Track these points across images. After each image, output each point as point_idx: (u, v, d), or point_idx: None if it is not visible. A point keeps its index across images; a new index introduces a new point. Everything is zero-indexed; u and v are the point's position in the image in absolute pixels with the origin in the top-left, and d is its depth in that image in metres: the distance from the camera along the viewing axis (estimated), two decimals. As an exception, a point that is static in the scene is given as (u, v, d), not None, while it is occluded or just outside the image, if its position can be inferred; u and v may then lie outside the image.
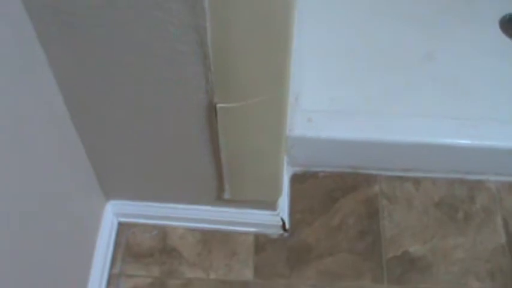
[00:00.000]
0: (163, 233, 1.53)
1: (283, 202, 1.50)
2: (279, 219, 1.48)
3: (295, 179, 1.61)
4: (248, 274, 1.47)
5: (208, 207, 1.46)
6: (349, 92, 1.64)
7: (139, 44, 0.96)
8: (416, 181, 1.64)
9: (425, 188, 1.63)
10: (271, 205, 1.44)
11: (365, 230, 1.55)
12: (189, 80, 1.02)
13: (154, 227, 1.53)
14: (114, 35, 0.94)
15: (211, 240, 1.52)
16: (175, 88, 1.05)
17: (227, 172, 1.26)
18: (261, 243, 1.52)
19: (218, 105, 1.05)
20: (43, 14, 0.91)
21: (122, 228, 1.54)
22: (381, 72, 1.71)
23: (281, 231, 1.52)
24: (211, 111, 1.07)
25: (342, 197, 1.60)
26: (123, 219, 1.53)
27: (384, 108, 1.62)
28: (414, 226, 1.57)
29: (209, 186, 1.36)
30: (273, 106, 1.06)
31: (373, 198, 1.60)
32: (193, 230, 1.53)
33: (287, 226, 1.51)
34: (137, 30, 0.93)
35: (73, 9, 0.90)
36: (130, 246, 1.52)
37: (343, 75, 1.68)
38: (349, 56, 1.73)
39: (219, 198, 1.39)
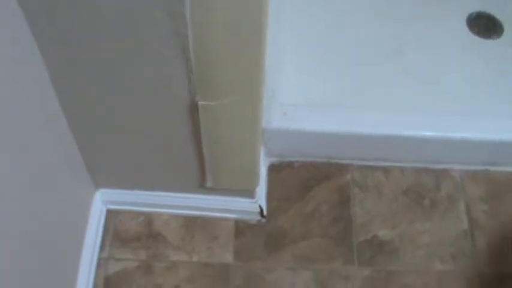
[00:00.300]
0: (148, 219, 1.62)
1: (261, 190, 1.60)
2: (257, 206, 1.57)
3: (272, 169, 1.71)
4: (228, 257, 1.57)
5: (192, 195, 1.55)
6: (323, 86, 1.74)
7: (128, 49, 1.05)
8: (386, 170, 1.73)
9: (394, 177, 1.73)
10: (250, 193, 1.53)
11: (337, 217, 1.64)
12: (174, 80, 1.11)
13: (140, 213, 1.62)
14: (103, 40, 1.04)
15: (194, 225, 1.62)
16: (161, 88, 1.14)
17: (209, 163, 1.36)
18: (240, 228, 1.62)
19: (199, 103, 1.15)
20: (39, 17, 1.00)
21: (110, 215, 1.62)
22: (354, 67, 1.82)
23: (259, 218, 1.62)
24: (194, 108, 1.17)
25: (316, 185, 1.69)
26: (111, 207, 1.62)
27: (356, 102, 1.73)
28: (383, 213, 1.66)
29: (192, 176, 1.45)
30: (248, 104, 1.16)
31: (345, 187, 1.70)
32: (177, 216, 1.62)
33: (265, 213, 1.61)
34: (125, 36, 1.03)
35: (65, 15, 0.99)
36: (118, 232, 1.60)
37: (318, 70, 1.79)
38: (325, 51, 1.85)
39: (201, 187, 1.48)
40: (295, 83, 1.71)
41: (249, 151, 1.33)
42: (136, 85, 1.14)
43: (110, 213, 1.62)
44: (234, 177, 1.43)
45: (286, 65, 1.75)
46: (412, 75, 1.85)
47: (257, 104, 1.17)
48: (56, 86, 1.16)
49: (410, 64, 1.88)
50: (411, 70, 1.86)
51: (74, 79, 1.14)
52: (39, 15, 0.99)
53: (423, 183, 1.72)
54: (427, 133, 1.63)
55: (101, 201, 1.58)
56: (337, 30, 1.93)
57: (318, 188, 1.68)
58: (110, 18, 0.99)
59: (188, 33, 0.98)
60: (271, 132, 1.61)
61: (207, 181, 1.43)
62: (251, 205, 1.56)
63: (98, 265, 1.55)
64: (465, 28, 1.99)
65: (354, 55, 1.86)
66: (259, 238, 1.60)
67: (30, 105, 1.10)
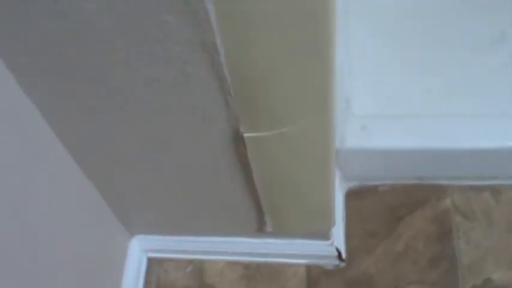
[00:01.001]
0: (199, 269, 1.32)
1: (338, 227, 1.28)
2: (333, 249, 1.25)
3: (351, 196, 1.38)
4: (301, 313, 1.25)
5: (251, 240, 1.25)
6: (408, 91, 1.39)
7: (138, 70, 0.73)
8: (496, 191, 1.39)
9: (507, 199, 1.38)
10: (324, 234, 1.21)
11: (437, 255, 1.31)
12: (205, 107, 0.80)
13: (189, 262, 1.33)
14: (108, 67, 0.73)
15: (256, 274, 1.31)
16: (190, 118, 0.84)
17: (266, 204, 1.04)
18: (314, 276, 1.30)
19: (245, 135, 0.83)
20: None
21: (152, 264, 1.34)
22: (444, 64, 1.44)
23: (337, 262, 1.29)
24: (238, 141, 0.85)
25: (407, 214, 1.36)
26: (153, 255, 1.34)
27: (451, 108, 1.36)
28: (497, 247, 1.32)
29: (247, 219, 1.15)
30: (315, 133, 0.83)
31: (445, 215, 1.36)
32: (234, 264, 1.31)
33: (343, 255, 1.29)
34: (132, 55, 0.71)
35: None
36: (163, 285, 1.31)
37: (399, 71, 1.42)
38: (406, 48, 1.47)
39: (260, 231, 1.17)
40: (373, 88, 1.38)
41: (319, 187, 1.00)
42: (156, 116, 0.83)
43: (151, 262, 1.34)
44: (301, 219, 1.11)
45: (359, 67, 1.41)
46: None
47: (327, 129, 0.84)
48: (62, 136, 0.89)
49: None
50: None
51: (81, 124, 0.87)
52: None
53: (545, 205, 1.35)
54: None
55: (140, 249, 1.30)
56: (418, 19, 1.54)
57: (410, 217, 1.34)
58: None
59: (216, 40, 0.65)
60: (347, 152, 1.30)
61: (267, 225, 1.11)
62: (326, 248, 1.25)
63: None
64: None
65: (443, 49, 1.48)
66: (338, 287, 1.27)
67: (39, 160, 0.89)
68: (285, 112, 0.80)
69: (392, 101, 1.37)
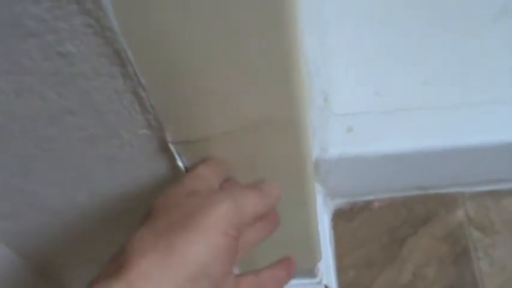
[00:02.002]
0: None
1: (326, 258, 1.01)
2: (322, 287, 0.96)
3: (340, 217, 1.10)
4: None
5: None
6: (400, 83, 1.12)
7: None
8: (518, 196, 1.10)
9: (533, 205, 1.09)
10: (308, 271, 0.92)
11: (454, 283, 1.03)
12: (111, 109, 0.51)
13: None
14: None
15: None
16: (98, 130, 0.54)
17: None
18: (300, 322, 1.00)
19: (174, 145, 0.54)
20: None
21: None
22: (441, 50, 1.18)
23: (328, 302, 0.99)
24: (165, 151, 0.56)
25: (411, 235, 1.09)
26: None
27: (453, 96, 1.10)
28: (527, 266, 1.03)
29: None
30: (277, 135, 0.55)
31: (458, 231, 1.09)
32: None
33: (336, 293, 0.99)
34: None
35: None
36: None
37: (389, 60, 1.16)
38: (395, 34, 1.20)
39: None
40: (357, 79, 1.10)
41: (294, 211, 0.72)
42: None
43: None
44: (276, 254, 0.81)
45: (338, 57, 1.16)
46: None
47: (297, 127, 0.56)
48: None
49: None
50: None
51: None
52: None
53: None
54: None
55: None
56: (408, 2, 1.27)
57: (415, 238, 1.07)
58: None
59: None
60: (330, 161, 1.04)
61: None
62: (313, 287, 0.94)
63: None
64: None
65: (436, 34, 1.22)
66: (332, 335, 0.99)
67: None
68: (227, 107, 0.51)
69: (381, 95, 1.10)
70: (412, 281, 1.04)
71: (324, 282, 0.97)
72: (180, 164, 0.58)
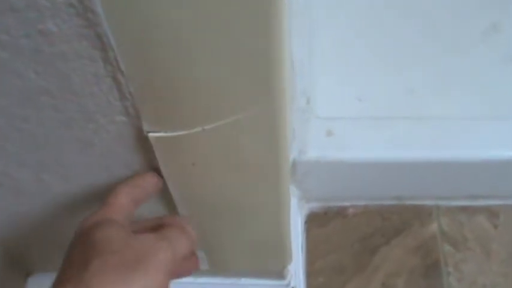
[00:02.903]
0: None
1: (296, 262, 1.00)
2: (290, 290, 0.95)
3: (313, 221, 1.10)
4: None
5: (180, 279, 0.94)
6: (385, 90, 1.11)
7: None
8: (493, 213, 1.12)
9: (507, 223, 1.11)
10: (277, 273, 0.92)
11: (423, 296, 1.02)
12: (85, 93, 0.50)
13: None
14: None
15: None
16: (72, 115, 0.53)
17: (197, 235, 0.74)
18: (265, 325, 0.99)
19: (151, 135, 0.53)
20: None
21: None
22: (429, 59, 1.17)
23: (295, 306, 0.98)
24: (142, 144, 0.55)
25: (383, 244, 1.08)
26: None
27: (436, 108, 1.09)
28: (496, 284, 1.05)
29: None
30: (256, 133, 0.54)
31: (431, 244, 1.08)
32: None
33: (304, 297, 0.98)
34: None
35: None
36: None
37: (374, 66, 1.15)
38: (382, 40, 1.20)
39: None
40: (340, 84, 1.10)
41: (268, 212, 0.72)
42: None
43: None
44: (246, 254, 0.81)
45: (323, 59, 1.14)
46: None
47: (276, 128, 0.55)
48: None
49: (510, 44, 1.21)
50: None
51: None
52: None
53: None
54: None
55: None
56: (398, 9, 1.27)
57: (387, 248, 1.07)
58: None
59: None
60: (308, 164, 1.02)
61: (201, 261, 0.81)
62: (281, 289, 0.94)
63: None
64: None
65: (425, 43, 1.21)
66: None
67: None
68: (208, 99, 0.50)
69: (364, 101, 1.09)
70: (381, 291, 1.04)
71: (293, 285, 0.96)
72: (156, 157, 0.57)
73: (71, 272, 0.49)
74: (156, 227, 0.60)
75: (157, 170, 0.61)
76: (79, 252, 0.51)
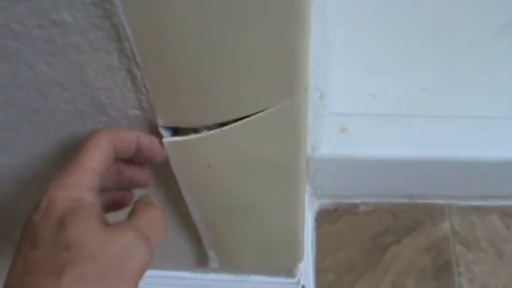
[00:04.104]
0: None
1: (306, 259, 0.98)
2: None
3: (324, 218, 1.08)
4: None
5: (191, 275, 0.93)
6: (398, 88, 1.10)
7: None
8: (506, 213, 1.11)
9: (520, 224, 1.07)
10: (288, 270, 0.90)
11: (433, 296, 1.00)
12: (109, 93, 0.48)
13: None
14: None
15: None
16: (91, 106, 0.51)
17: (207, 236, 0.73)
18: (274, 322, 0.98)
19: (165, 140, 0.51)
20: None
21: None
22: (442, 58, 1.16)
23: (304, 305, 0.97)
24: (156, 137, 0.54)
25: (395, 243, 1.07)
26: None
27: (451, 107, 1.07)
28: (508, 285, 1.03)
29: (185, 251, 0.84)
30: (275, 131, 0.52)
31: (443, 243, 1.07)
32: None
33: (313, 296, 0.97)
34: None
35: None
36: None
37: (389, 64, 1.13)
38: (397, 38, 1.18)
39: (202, 266, 0.86)
40: (354, 80, 1.08)
41: (282, 211, 0.70)
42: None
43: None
44: (257, 253, 0.80)
45: (338, 55, 1.13)
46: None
47: (295, 126, 0.53)
48: None
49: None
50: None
51: None
52: None
53: None
54: None
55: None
56: (412, 6, 1.25)
57: (398, 247, 1.05)
58: None
59: None
60: (321, 160, 1.01)
61: (210, 260, 0.79)
62: (290, 287, 0.92)
63: None
64: None
65: (438, 41, 1.19)
66: (305, 338, 0.96)
67: None
68: (226, 94, 0.49)
69: (378, 97, 1.07)
70: (392, 290, 1.02)
71: (302, 283, 0.95)
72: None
73: (39, 275, 0.44)
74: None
75: (168, 170, 0.59)
76: (49, 248, 0.45)
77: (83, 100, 0.51)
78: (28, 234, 0.46)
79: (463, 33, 1.20)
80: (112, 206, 0.55)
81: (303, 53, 0.45)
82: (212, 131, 0.51)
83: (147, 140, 0.53)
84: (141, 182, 0.57)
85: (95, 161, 0.49)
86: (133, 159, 0.54)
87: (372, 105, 1.05)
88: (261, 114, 0.50)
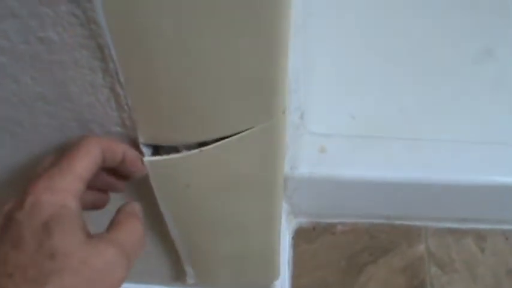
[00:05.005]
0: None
1: (282, 278, 0.98)
2: (275, 306, 0.94)
3: (301, 236, 1.09)
4: None
5: (169, 289, 0.94)
6: (378, 106, 1.11)
7: None
8: (480, 236, 1.12)
9: (494, 248, 1.11)
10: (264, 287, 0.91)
11: (408, 317, 1.01)
12: (81, 104, 0.49)
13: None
14: None
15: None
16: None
17: (185, 252, 0.74)
18: None
19: (146, 159, 0.52)
20: None
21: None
22: (421, 81, 1.17)
23: (279, 323, 0.97)
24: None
25: (370, 263, 1.08)
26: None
27: (429, 130, 1.08)
28: (481, 308, 1.02)
29: (162, 267, 0.85)
30: (253, 152, 0.53)
31: (418, 265, 1.08)
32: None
33: (288, 314, 0.97)
34: None
35: None
36: None
37: (368, 82, 1.15)
38: (377, 60, 1.19)
39: (180, 281, 0.86)
40: (334, 101, 1.10)
41: (259, 229, 0.71)
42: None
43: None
44: (233, 270, 0.80)
45: (319, 76, 1.14)
46: (507, 87, 1.19)
47: (273, 147, 0.54)
48: None
49: (503, 70, 1.22)
50: (505, 80, 1.20)
51: None
52: None
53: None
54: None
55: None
56: (392, 30, 1.27)
57: (374, 267, 1.06)
58: None
59: None
60: (299, 180, 1.02)
61: (187, 276, 0.80)
62: (266, 305, 0.93)
63: None
64: None
65: (417, 65, 1.21)
66: None
67: None
68: (206, 116, 0.50)
69: (357, 119, 1.08)
70: (367, 310, 1.03)
71: (278, 301, 0.96)
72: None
73: (21, 280, 0.43)
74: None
75: (148, 188, 0.60)
76: (33, 252, 0.44)
77: (66, 115, 0.52)
78: (10, 232, 0.46)
79: (443, 56, 1.22)
80: (88, 206, 0.55)
81: (281, 80, 0.46)
82: (191, 151, 0.52)
83: (132, 154, 0.54)
84: (116, 189, 0.57)
85: (85, 168, 0.49)
86: (115, 168, 0.54)
87: (351, 126, 1.06)
88: (239, 135, 0.51)
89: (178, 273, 0.85)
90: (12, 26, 0.42)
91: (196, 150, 0.51)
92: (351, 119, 1.08)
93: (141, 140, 0.53)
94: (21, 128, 0.54)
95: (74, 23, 0.41)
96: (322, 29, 1.21)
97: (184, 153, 0.52)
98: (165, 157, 0.52)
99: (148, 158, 0.52)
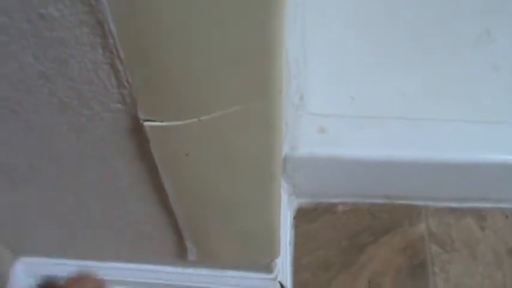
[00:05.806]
0: (103, 304, 1.00)
1: (284, 256, 1.00)
2: (276, 284, 0.96)
3: (302, 216, 1.09)
4: None
5: (169, 268, 0.95)
6: (377, 88, 1.11)
7: None
8: (481, 215, 1.13)
9: (494, 226, 1.12)
10: (265, 266, 0.92)
11: (408, 295, 1.02)
12: (90, 79, 0.50)
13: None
14: None
15: (177, 314, 0.99)
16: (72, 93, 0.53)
17: (185, 226, 0.75)
18: (251, 318, 0.99)
19: (147, 124, 0.53)
20: None
21: (43, 296, 1.01)
22: (421, 63, 1.17)
23: (281, 301, 0.98)
24: (137, 133, 0.55)
25: (371, 242, 1.08)
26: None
27: (429, 111, 1.09)
28: (482, 286, 1.05)
29: (165, 244, 0.85)
30: (251, 126, 0.54)
31: (418, 244, 1.09)
32: (149, 299, 1.00)
33: (290, 292, 0.98)
34: None
35: None
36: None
37: (368, 67, 1.15)
38: (377, 42, 1.20)
39: (181, 259, 0.87)
40: (334, 83, 1.10)
41: (259, 205, 0.72)
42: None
43: (41, 292, 1.00)
44: (234, 247, 0.82)
45: (318, 57, 1.14)
46: (506, 68, 1.19)
47: (270, 123, 0.55)
48: None
49: (502, 53, 1.21)
50: (504, 62, 1.20)
51: None
52: None
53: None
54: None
55: (25, 274, 0.99)
56: (394, 13, 1.27)
57: (374, 246, 1.07)
58: None
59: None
60: (299, 160, 1.03)
61: (189, 252, 0.81)
62: (267, 283, 0.96)
63: None
64: None
65: (417, 47, 1.21)
66: (281, 334, 0.98)
67: None
68: (205, 90, 0.50)
69: (357, 100, 1.09)
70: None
71: (279, 279, 0.97)
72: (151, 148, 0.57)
73: None
74: None
75: (149, 160, 0.61)
76: None
77: (67, 93, 0.52)
78: None
79: (442, 40, 1.22)
80: None
81: (276, 60, 0.47)
82: (191, 120, 0.53)
83: None
84: None
85: None
86: None
87: (351, 106, 1.07)
88: (236, 109, 0.51)
89: (180, 250, 0.86)
90: (14, 3, 0.43)
91: (195, 119, 0.52)
92: (351, 99, 1.08)
93: (141, 116, 0.54)
94: (21, 107, 0.55)
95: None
96: (322, 11, 1.21)
97: (184, 121, 0.52)
98: (165, 123, 0.53)
99: (149, 123, 0.53)
